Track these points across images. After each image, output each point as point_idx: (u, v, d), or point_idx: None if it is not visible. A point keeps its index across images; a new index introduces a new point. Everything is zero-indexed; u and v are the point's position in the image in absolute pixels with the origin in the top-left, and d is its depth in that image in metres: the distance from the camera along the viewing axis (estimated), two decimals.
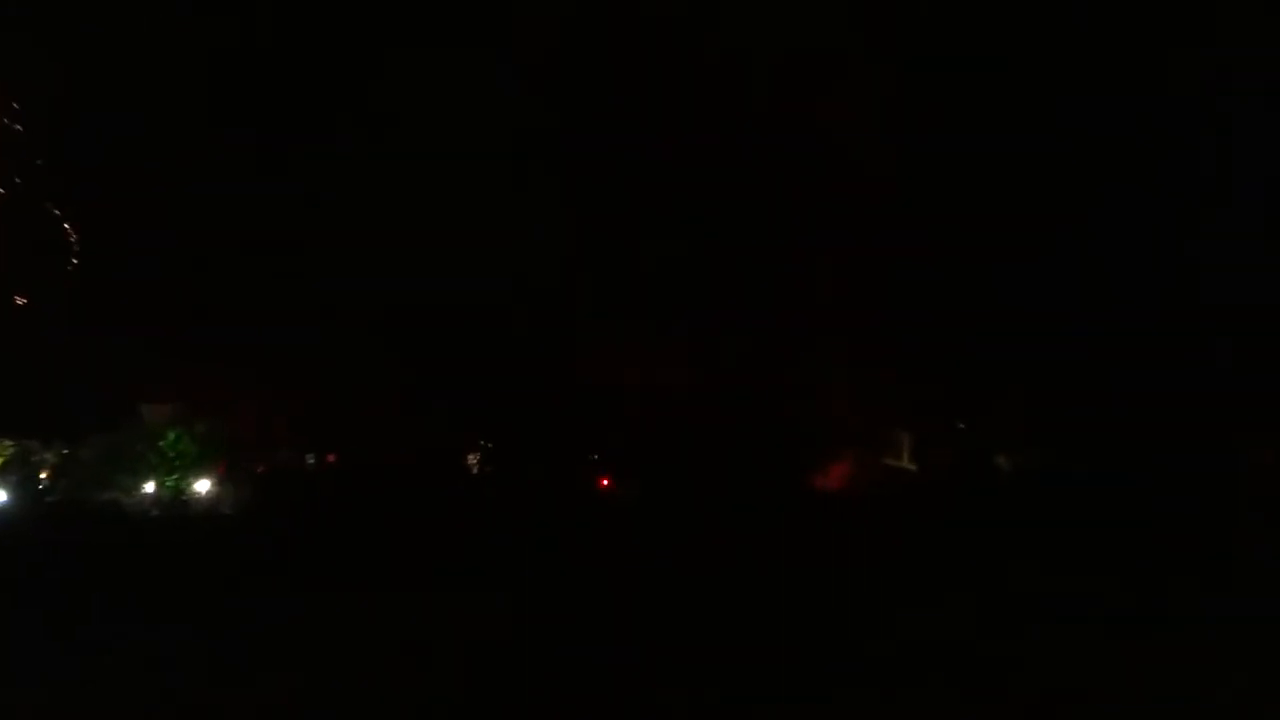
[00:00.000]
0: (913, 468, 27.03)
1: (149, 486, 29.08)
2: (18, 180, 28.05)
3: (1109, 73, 25.38)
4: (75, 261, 28.96)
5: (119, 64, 27.93)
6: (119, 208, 28.01)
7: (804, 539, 20.89)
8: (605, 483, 28.32)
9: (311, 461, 29.79)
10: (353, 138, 28.24)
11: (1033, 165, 25.35)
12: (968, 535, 21.04)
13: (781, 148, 26.72)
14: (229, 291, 28.74)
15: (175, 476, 29.07)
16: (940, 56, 26.14)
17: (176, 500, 28.80)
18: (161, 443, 28.95)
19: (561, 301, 28.28)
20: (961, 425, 26.61)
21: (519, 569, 18.47)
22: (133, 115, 27.86)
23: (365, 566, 18.61)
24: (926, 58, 26.12)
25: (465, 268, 27.57)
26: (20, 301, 28.38)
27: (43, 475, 28.92)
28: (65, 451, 29.16)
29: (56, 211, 28.42)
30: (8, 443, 28.54)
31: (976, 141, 25.60)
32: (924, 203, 26.03)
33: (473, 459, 29.80)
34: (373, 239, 27.57)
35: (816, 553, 19.56)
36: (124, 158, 27.76)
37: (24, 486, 28.23)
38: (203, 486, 29.27)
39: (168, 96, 28.20)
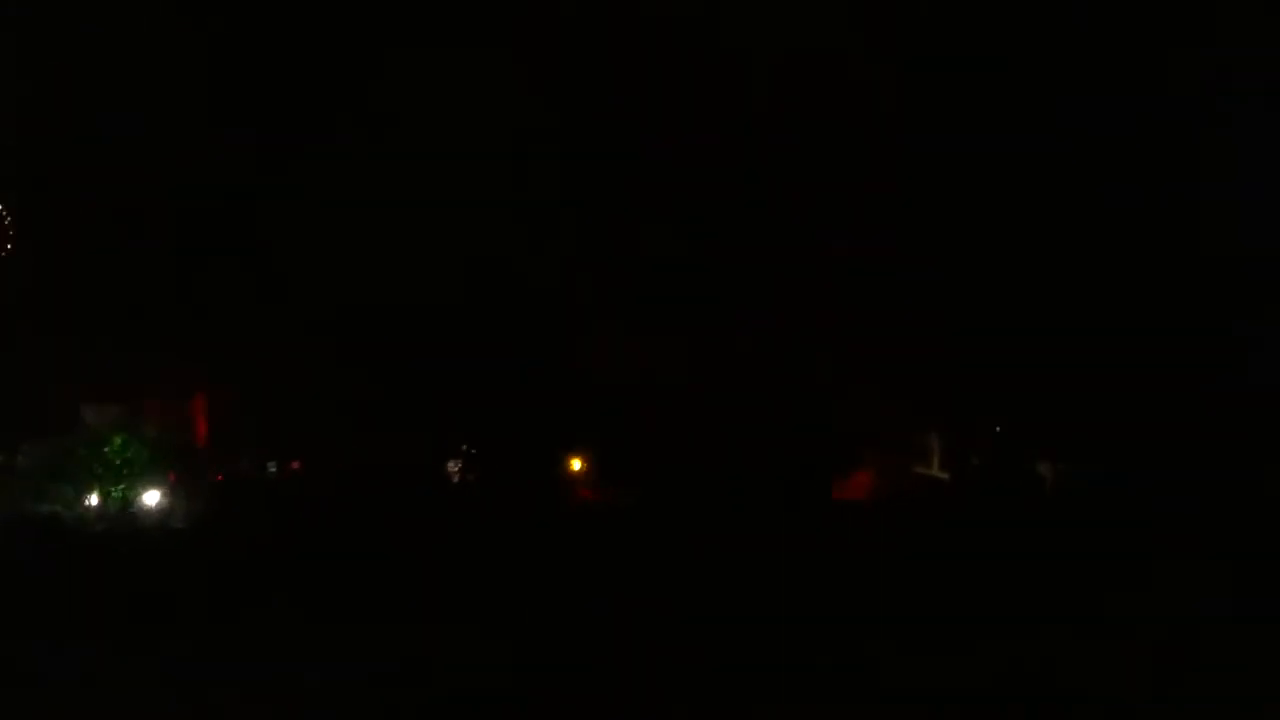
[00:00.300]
0: (944, 476, 24.60)
1: (93, 498, 26.41)
2: None
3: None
4: (9, 248, 26.54)
5: (64, 49, 26.12)
6: (62, 196, 26.11)
7: (820, 555, 19.25)
8: (586, 493, 26.22)
9: (273, 470, 27.25)
10: (322, 131, 26.38)
11: (1074, 157, 23.68)
12: (1005, 550, 19.01)
13: (804, 139, 24.87)
14: (183, 284, 26.62)
15: (123, 486, 26.40)
16: (958, 48, 24.71)
17: (124, 513, 26.13)
18: (107, 449, 26.21)
19: (558, 299, 26.40)
20: (998, 428, 24.02)
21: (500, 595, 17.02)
22: (84, 103, 25.95)
23: (331, 592, 17.21)
24: (946, 50, 24.73)
25: (447, 263, 25.81)
26: None
27: None
28: None
29: None
30: None
31: (1012, 131, 23.87)
32: (955, 193, 24.34)
33: (454, 466, 27.27)
34: (341, 233, 25.56)
35: (833, 570, 18.10)
36: (71, 145, 25.72)
37: None
38: (153, 498, 26.55)
39: (125, 85, 26.26)
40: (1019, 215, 23.66)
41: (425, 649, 13.72)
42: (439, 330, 26.33)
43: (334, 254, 25.92)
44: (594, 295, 26.03)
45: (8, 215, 26.49)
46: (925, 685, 11.75)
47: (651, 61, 25.82)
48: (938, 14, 24.99)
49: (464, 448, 27.14)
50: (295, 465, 27.11)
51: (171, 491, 26.45)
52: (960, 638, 13.91)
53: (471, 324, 26.40)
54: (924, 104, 24.48)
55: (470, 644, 14.03)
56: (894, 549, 18.96)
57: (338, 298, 26.20)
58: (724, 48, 25.45)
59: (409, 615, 15.80)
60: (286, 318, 26.14)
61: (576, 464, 26.68)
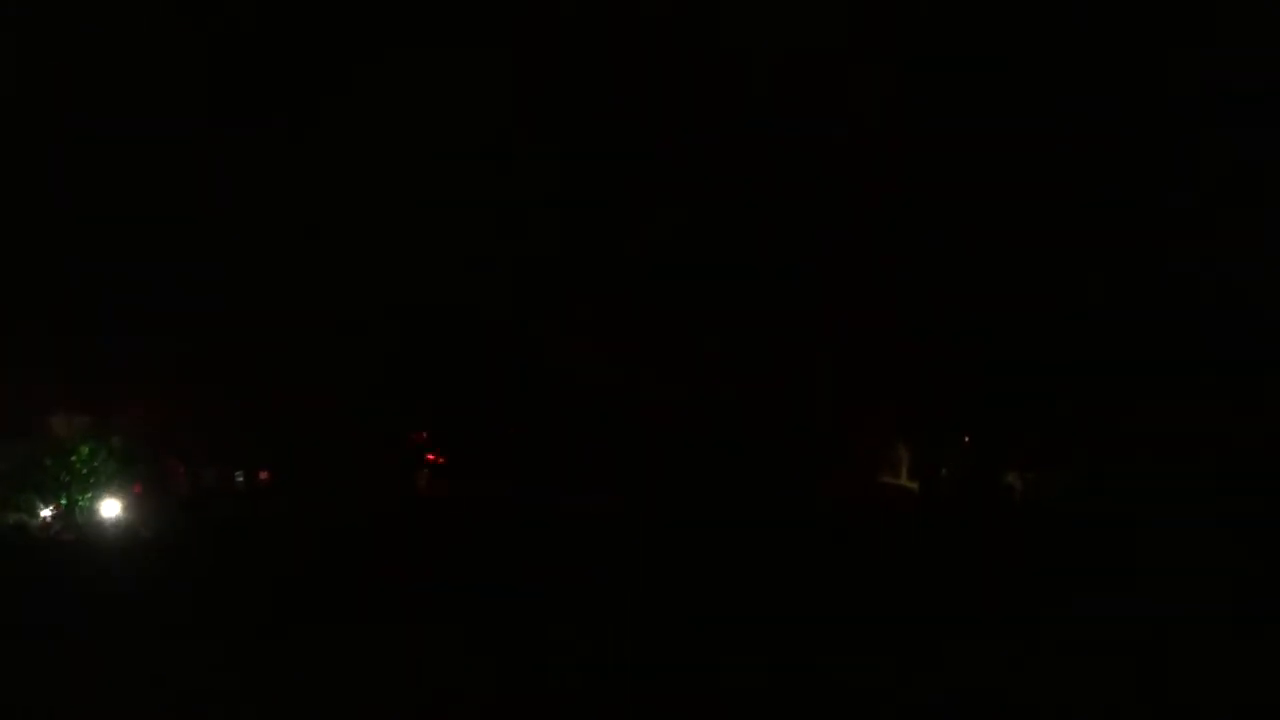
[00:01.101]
0: (913, 486, 24.91)
1: (64, 507, 26.21)
2: None
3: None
4: None
5: (31, 46, 25.70)
6: (23, 191, 25.53)
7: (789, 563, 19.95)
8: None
9: (241, 479, 27.16)
10: (289, 126, 26.12)
11: (1045, 162, 23.72)
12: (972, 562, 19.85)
13: (775, 147, 24.96)
14: (147, 287, 26.26)
15: (89, 496, 26.35)
16: (949, 52, 24.51)
17: (91, 523, 26.02)
18: (74, 459, 26.16)
19: (538, 299, 26.35)
20: (967, 438, 24.33)
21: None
22: (50, 97, 25.59)
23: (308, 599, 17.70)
24: (933, 55, 24.51)
25: (426, 263, 25.75)
26: None
27: None
28: None
29: None
30: None
31: (979, 140, 23.91)
32: (928, 194, 24.46)
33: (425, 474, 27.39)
34: (314, 231, 25.46)
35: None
36: (37, 138, 25.28)
37: None
38: (111, 508, 26.41)
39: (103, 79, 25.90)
40: (988, 222, 23.73)
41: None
42: (412, 331, 26.45)
43: (302, 257, 25.87)
44: (571, 297, 26.02)
45: None
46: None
47: (643, 57, 25.86)
48: (938, 14, 25.02)
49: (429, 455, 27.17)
50: (264, 475, 26.99)
51: (139, 502, 26.46)
52: (928, 644, 14.25)
53: (448, 326, 26.59)
54: (922, 104, 24.56)
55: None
56: (862, 555, 19.45)
57: (309, 301, 26.13)
58: (710, 44, 25.49)
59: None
60: (255, 323, 26.08)
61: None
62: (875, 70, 24.69)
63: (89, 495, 26.18)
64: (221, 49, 26.39)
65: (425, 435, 27.33)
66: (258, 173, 25.74)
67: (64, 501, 26.19)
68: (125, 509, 26.33)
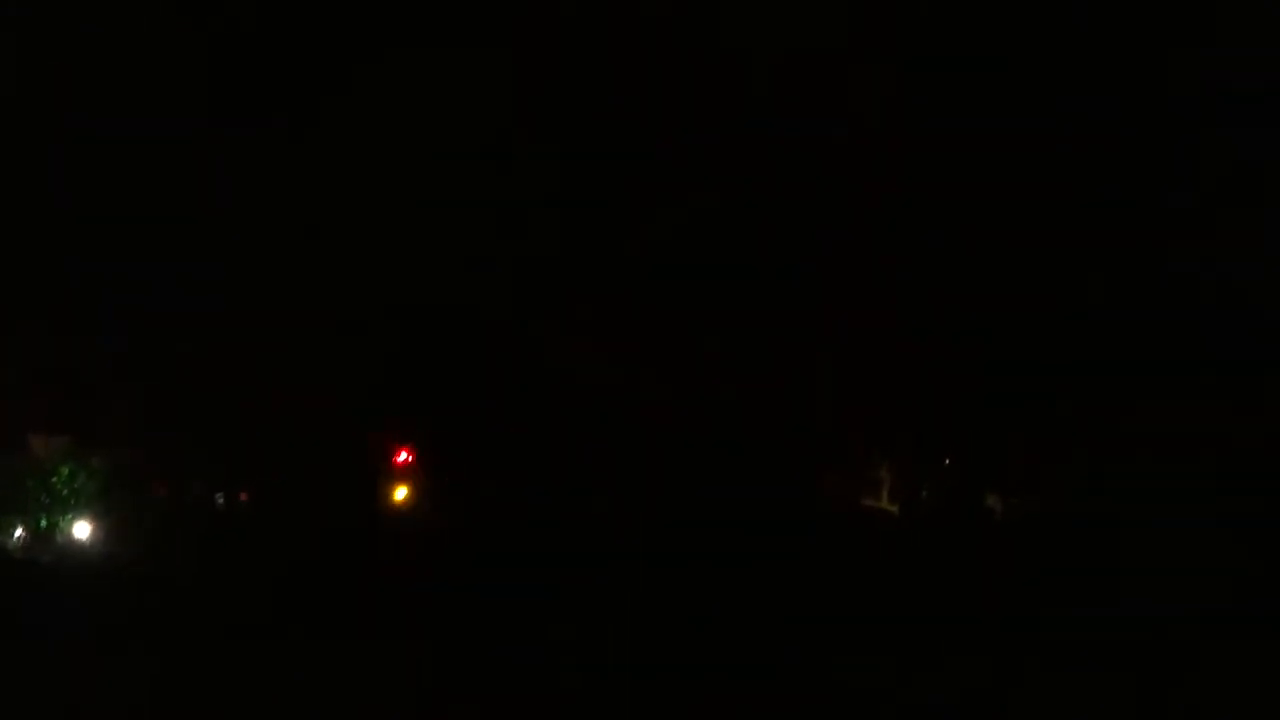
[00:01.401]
0: (893, 509, 24.98)
1: (39, 527, 26.11)
2: None
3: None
4: None
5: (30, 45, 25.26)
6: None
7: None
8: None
9: (221, 500, 26.87)
10: (289, 126, 25.76)
11: (1043, 162, 23.35)
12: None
13: (774, 147, 24.67)
14: (127, 302, 25.82)
15: (69, 516, 26.12)
16: (949, 52, 24.14)
17: (71, 543, 25.94)
18: (54, 479, 25.97)
19: (537, 300, 26.00)
20: (948, 461, 24.39)
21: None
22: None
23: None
24: (932, 54, 24.12)
25: (424, 263, 25.30)
26: None
27: None
28: None
29: None
30: None
31: (977, 140, 23.56)
32: (923, 197, 24.17)
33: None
34: (311, 232, 25.06)
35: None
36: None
37: None
38: (82, 529, 26.27)
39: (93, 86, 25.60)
40: (982, 224, 23.51)
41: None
42: (409, 331, 26.02)
43: (298, 258, 25.51)
44: (570, 297, 25.69)
45: None
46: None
47: (643, 57, 25.38)
48: (938, 13, 24.55)
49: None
50: (243, 496, 26.72)
51: (118, 522, 26.12)
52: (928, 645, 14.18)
53: (446, 326, 26.19)
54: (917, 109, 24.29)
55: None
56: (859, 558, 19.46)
57: (300, 302, 25.75)
58: (709, 43, 25.08)
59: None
60: (241, 328, 25.67)
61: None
62: (874, 70, 24.42)
63: (69, 516, 25.92)
64: (220, 48, 25.99)
65: (413, 452, 27.00)
66: (252, 174, 25.38)
67: (44, 522, 25.97)
68: (105, 529, 26.07)
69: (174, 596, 20.17)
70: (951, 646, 15.35)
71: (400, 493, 26.97)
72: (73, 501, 26.09)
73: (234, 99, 25.71)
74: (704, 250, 24.69)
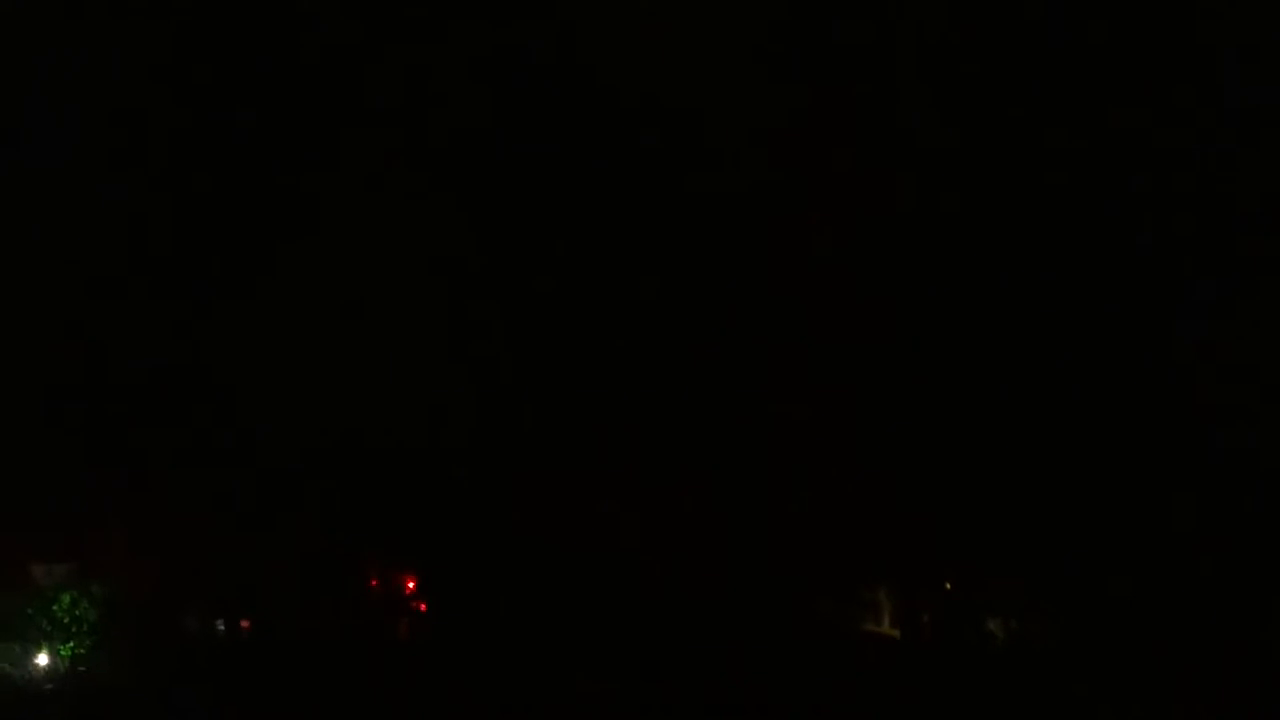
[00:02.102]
0: (895, 634, 24.45)
1: (42, 657, 25.76)
2: None
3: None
4: None
5: None
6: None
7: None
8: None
9: (222, 628, 26.72)
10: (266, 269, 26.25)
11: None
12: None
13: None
14: (131, 431, 26.13)
15: (71, 645, 25.86)
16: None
17: (73, 672, 25.51)
18: (55, 606, 25.71)
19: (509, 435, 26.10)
20: (948, 585, 23.96)
21: None
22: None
23: None
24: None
25: (400, 398, 25.40)
26: None
27: None
28: None
29: None
30: None
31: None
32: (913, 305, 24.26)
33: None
34: (287, 368, 25.32)
35: None
36: None
37: None
38: (102, 656, 25.81)
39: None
40: (975, 369, 23.60)
41: None
42: (393, 474, 26.12)
43: (284, 402, 25.73)
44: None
45: None
46: None
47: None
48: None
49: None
50: (245, 624, 26.57)
51: (122, 651, 25.71)
52: None
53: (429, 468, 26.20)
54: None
55: None
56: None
57: (288, 446, 26.00)
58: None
59: None
60: (236, 466, 25.85)
61: None
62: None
63: (71, 645, 25.73)
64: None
65: (411, 583, 26.79)
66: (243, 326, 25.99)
67: (45, 650, 25.66)
68: (107, 656, 25.67)
69: None
70: None
71: (403, 622, 26.96)
72: (74, 629, 25.78)
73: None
74: (694, 378, 24.90)
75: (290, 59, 26.59)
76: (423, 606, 26.71)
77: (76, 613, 25.74)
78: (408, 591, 27.08)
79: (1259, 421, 21.83)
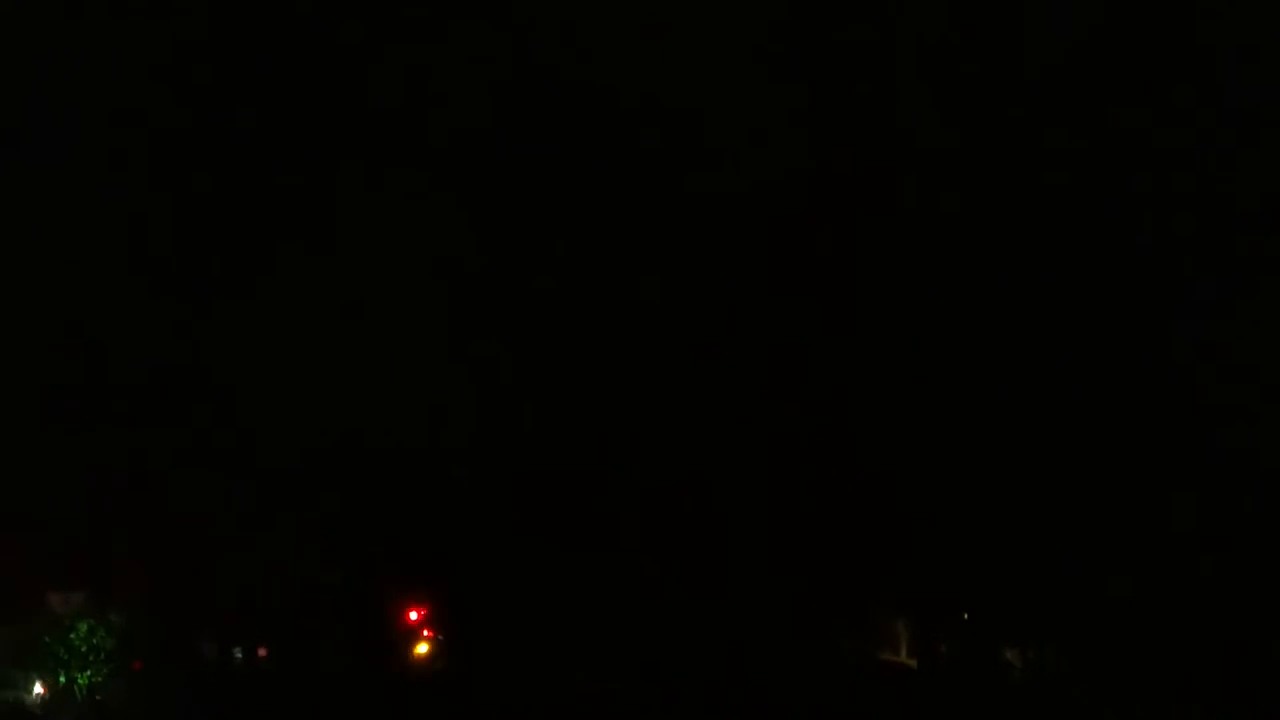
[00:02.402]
0: (912, 664, 24.26)
1: (58, 684, 25.83)
2: None
3: None
4: None
5: None
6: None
7: None
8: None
9: (240, 656, 26.67)
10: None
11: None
12: None
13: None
14: (134, 435, 26.14)
15: (88, 673, 25.89)
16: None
17: (89, 701, 25.65)
18: (72, 635, 25.78)
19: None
20: (966, 615, 23.76)
21: None
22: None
23: None
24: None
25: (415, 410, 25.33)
26: None
27: None
28: None
29: None
30: None
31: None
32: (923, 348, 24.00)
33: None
34: (290, 370, 25.23)
35: None
36: None
37: None
38: (118, 685, 25.97)
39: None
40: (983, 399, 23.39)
41: None
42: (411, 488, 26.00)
43: (288, 405, 25.62)
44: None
45: None
46: None
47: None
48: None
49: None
50: (262, 652, 26.52)
51: (137, 680, 25.91)
52: None
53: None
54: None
55: None
56: None
57: (295, 451, 25.92)
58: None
59: None
60: (251, 495, 25.79)
61: None
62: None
63: (88, 673, 25.76)
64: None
65: (422, 612, 26.69)
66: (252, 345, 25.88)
67: (62, 679, 25.78)
68: (124, 685, 25.79)
69: None
70: None
71: (421, 647, 26.96)
72: (91, 658, 25.87)
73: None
74: (701, 385, 24.79)
75: (291, 59, 26.59)
76: (429, 633, 26.61)
77: (94, 641, 25.82)
78: (418, 619, 27.00)
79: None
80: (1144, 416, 22.20)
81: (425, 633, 26.78)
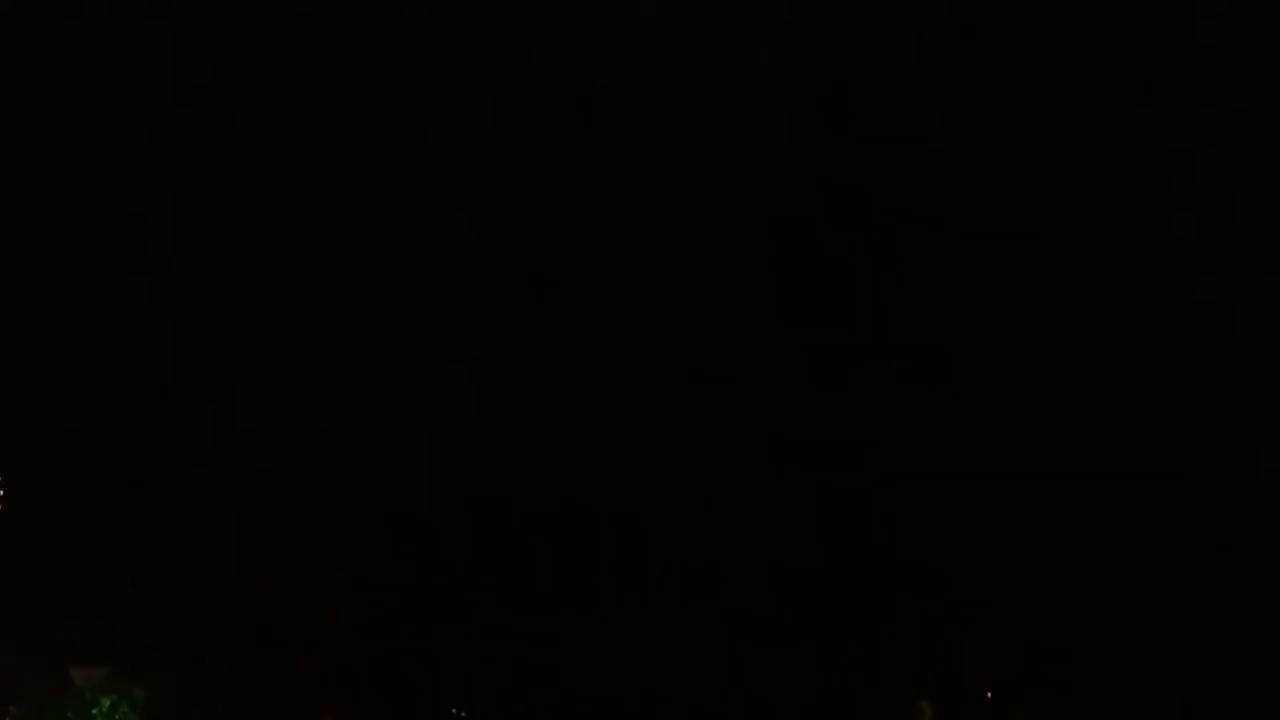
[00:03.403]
0: None
1: None
2: None
3: None
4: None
5: None
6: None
7: None
8: None
9: None
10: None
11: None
12: None
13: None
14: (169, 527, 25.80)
15: None
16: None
17: None
18: (95, 711, 25.81)
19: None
20: (989, 694, 23.34)
21: None
22: None
23: None
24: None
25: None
26: None
27: None
28: None
29: None
30: None
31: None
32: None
33: None
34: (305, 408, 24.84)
35: None
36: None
37: None
38: None
39: None
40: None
41: None
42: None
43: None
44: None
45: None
46: None
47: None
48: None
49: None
50: None
51: None
52: None
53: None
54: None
55: None
56: None
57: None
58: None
59: None
60: (279, 568, 25.55)
61: None
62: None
63: None
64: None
65: None
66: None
67: None
68: None
69: None
70: None
71: None
72: None
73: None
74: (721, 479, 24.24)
75: (300, 79, 25.90)
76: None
77: (116, 717, 25.84)
78: None
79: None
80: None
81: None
